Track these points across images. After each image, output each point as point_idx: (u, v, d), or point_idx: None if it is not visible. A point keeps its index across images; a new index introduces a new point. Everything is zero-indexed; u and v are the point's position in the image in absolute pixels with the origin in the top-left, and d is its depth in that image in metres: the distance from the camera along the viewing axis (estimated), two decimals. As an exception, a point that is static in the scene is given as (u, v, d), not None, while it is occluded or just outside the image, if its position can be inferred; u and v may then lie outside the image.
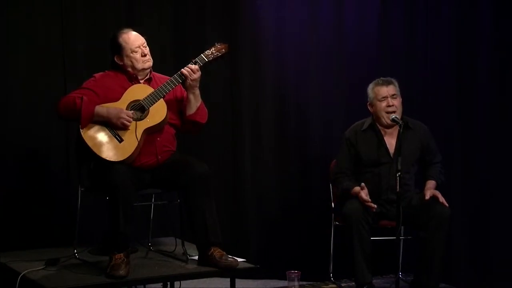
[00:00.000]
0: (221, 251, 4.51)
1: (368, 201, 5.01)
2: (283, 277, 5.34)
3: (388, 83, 5.21)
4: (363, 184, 5.09)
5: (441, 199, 5.05)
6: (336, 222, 5.28)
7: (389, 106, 5.16)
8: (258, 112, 5.75)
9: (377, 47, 5.91)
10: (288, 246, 5.73)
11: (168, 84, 4.59)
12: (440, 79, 5.93)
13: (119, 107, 4.53)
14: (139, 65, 4.64)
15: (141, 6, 5.46)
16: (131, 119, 4.51)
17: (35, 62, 5.21)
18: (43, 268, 4.47)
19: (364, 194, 5.04)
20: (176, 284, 4.91)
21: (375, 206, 5.01)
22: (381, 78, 5.27)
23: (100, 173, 4.45)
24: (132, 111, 4.54)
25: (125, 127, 4.49)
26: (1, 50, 5.13)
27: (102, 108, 4.51)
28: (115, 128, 4.50)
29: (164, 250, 4.87)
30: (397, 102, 5.18)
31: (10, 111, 5.16)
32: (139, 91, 4.59)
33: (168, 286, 4.98)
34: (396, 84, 5.23)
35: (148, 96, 4.56)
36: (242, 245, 5.58)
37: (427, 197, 5.07)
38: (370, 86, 5.26)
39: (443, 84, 5.92)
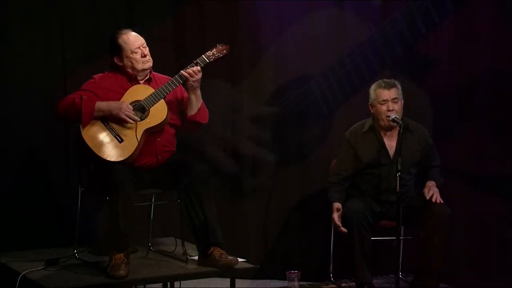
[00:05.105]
0: (221, 250, 4.51)
1: (338, 226, 5.03)
2: (283, 277, 5.35)
3: (390, 87, 5.18)
4: (339, 205, 5.09)
5: (435, 197, 5.04)
6: (337, 222, 5.28)
7: (389, 110, 5.14)
8: (258, 112, 5.75)
9: (377, 47, 5.91)
10: (288, 246, 5.73)
11: (169, 84, 4.59)
12: (440, 80, 5.92)
13: (120, 105, 4.55)
14: (139, 66, 4.63)
15: (141, 6, 5.46)
16: (132, 111, 4.51)
17: (35, 62, 5.20)
18: (43, 268, 4.47)
19: (337, 217, 5.05)
20: (176, 284, 4.91)
21: (345, 230, 5.01)
22: (384, 80, 5.24)
23: (100, 173, 4.45)
24: (133, 112, 4.54)
25: (126, 119, 4.48)
26: (1, 50, 5.13)
27: (103, 102, 4.51)
28: (116, 121, 4.49)
29: (164, 250, 4.87)
30: (397, 106, 5.15)
31: (10, 111, 5.16)
32: (140, 92, 4.59)
33: (168, 286, 4.98)
34: (399, 86, 5.20)
35: (148, 96, 4.56)
36: (242, 245, 5.58)
37: (426, 193, 5.06)
38: (373, 87, 5.24)
39: (443, 84, 5.92)
